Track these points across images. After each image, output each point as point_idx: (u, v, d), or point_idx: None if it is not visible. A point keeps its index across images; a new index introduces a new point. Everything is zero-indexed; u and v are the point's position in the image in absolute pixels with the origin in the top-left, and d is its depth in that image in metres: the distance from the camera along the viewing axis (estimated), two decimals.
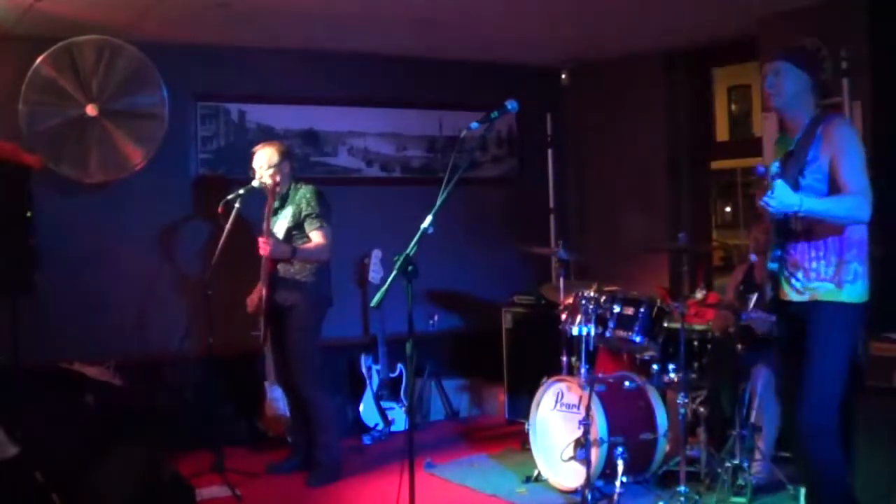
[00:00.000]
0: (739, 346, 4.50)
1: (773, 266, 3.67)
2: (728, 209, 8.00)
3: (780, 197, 3.39)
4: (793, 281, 3.63)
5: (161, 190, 5.79)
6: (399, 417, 6.12)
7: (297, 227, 4.98)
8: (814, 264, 3.58)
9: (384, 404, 6.11)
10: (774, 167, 3.44)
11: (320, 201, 4.99)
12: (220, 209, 5.05)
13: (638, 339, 4.78)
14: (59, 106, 5.30)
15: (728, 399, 4.57)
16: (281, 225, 5.00)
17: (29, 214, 5.18)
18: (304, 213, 4.95)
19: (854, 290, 3.57)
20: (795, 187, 3.51)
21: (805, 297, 3.61)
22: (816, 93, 3.67)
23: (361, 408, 6.06)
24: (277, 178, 5.00)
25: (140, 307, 5.76)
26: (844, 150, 3.52)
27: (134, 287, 5.76)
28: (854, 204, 3.50)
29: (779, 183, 3.38)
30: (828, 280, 3.56)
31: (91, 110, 5.35)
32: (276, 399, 5.59)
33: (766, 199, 3.39)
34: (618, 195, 6.75)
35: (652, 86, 6.68)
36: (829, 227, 3.54)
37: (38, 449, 4.39)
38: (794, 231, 3.61)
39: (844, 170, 3.50)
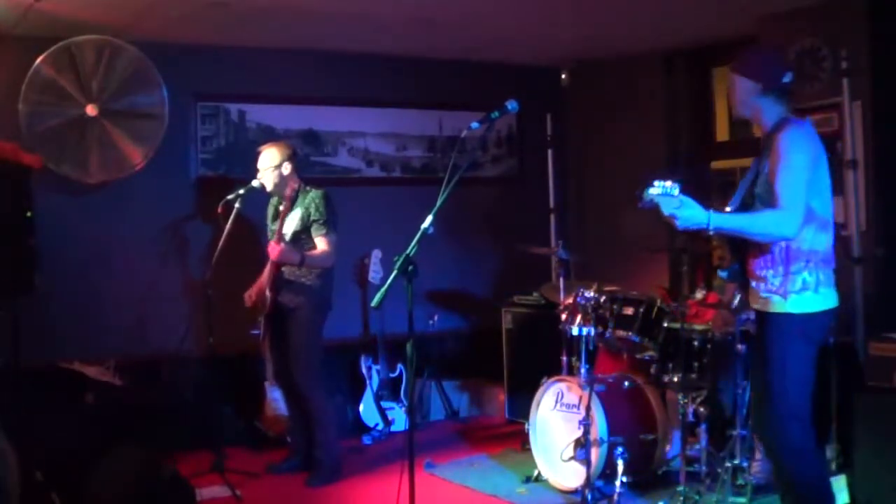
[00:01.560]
0: (739, 347, 4.50)
1: (723, 275, 3.74)
2: (728, 209, 7.99)
3: (686, 214, 3.26)
4: (752, 288, 3.61)
5: (161, 190, 5.80)
6: (399, 417, 6.12)
7: (304, 230, 4.97)
8: (764, 273, 3.51)
9: (384, 404, 6.11)
10: (673, 188, 3.23)
11: (328, 207, 4.97)
12: (220, 209, 5.05)
13: (637, 338, 4.77)
14: (59, 106, 5.30)
15: (728, 399, 4.57)
16: (288, 227, 4.97)
17: (29, 214, 5.18)
18: (311, 218, 4.94)
19: (801, 301, 3.44)
20: (750, 198, 3.50)
21: (758, 307, 3.58)
22: (779, 97, 3.53)
23: (361, 408, 6.06)
24: (282, 178, 4.98)
25: (140, 307, 5.76)
26: (782, 161, 3.38)
27: (134, 287, 5.76)
28: (771, 221, 3.37)
29: (685, 200, 3.25)
30: (775, 291, 3.48)
31: (91, 110, 5.36)
32: (276, 399, 5.59)
33: (672, 213, 3.25)
34: (618, 195, 6.73)
35: (652, 86, 6.68)
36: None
37: (38, 449, 4.39)
38: (747, 243, 3.56)
39: (778, 182, 3.37)
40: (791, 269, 3.45)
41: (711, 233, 3.39)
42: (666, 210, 3.27)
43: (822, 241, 3.48)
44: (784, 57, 3.67)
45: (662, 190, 3.22)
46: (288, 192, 4.94)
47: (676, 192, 3.23)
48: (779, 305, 3.47)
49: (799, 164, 3.38)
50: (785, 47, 5.45)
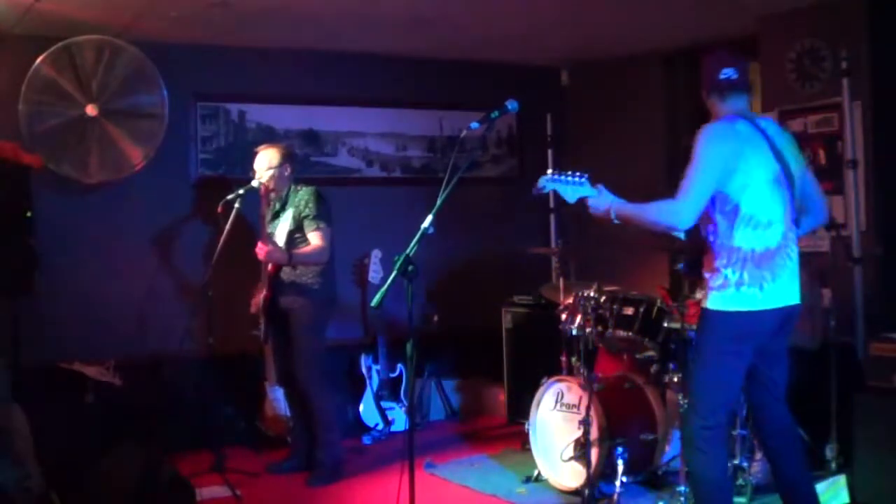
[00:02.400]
0: None
1: (681, 267, 3.84)
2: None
3: (595, 202, 3.58)
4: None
5: (161, 190, 5.79)
6: (399, 417, 6.12)
7: (298, 229, 4.97)
8: (707, 269, 3.52)
9: (384, 404, 6.11)
10: (583, 178, 3.64)
11: (319, 202, 4.97)
12: (219, 209, 5.04)
13: (638, 338, 4.77)
14: (59, 106, 5.30)
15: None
16: (282, 228, 4.98)
17: (29, 214, 5.18)
18: (302, 215, 4.94)
19: (719, 298, 3.44)
20: None
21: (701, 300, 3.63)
22: (722, 95, 3.53)
23: (361, 408, 6.06)
24: (272, 182, 4.99)
25: (140, 307, 5.76)
26: (692, 157, 3.42)
27: (134, 287, 5.76)
28: (661, 210, 3.43)
29: (599, 187, 3.61)
30: (707, 286, 3.51)
31: (91, 110, 5.36)
32: (277, 399, 5.59)
33: (580, 199, 3.61)
34: (618, 195, 6.74)
35: (652, 86, 6.68)
36: (717, 234, 3.46)
37: (38, 449, 4.39)
38: (700, 239, 3.57)
39: (684, 176, 3.43)
40: (717, 264, 3.46)
41: (615, 219, 3.56)
42: (571, 197, 3.64)
43: (754, 240, 3.42)
44: (728, 55, 3.60)
45: (567, 179, 3.63)
46: (263, 191, 4.95)
47: (585, 181, 3.62)
48: (706, 301, 3.51)
49: (701, 160, 3.39)
50: (784, 47, 5.47)
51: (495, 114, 3.59)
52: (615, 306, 4.84)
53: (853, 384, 4.51)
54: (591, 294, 4.85)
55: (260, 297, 5.10)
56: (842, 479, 4.31)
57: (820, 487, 4.28)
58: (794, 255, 3.53)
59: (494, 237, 6.90)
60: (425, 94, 6.75)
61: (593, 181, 3.68)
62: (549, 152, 6.94)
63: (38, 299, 5.25)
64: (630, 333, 4.75)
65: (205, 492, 4.74)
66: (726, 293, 3.44)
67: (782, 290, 3.47)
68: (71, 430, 5.01)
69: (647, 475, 4.75)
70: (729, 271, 3.43)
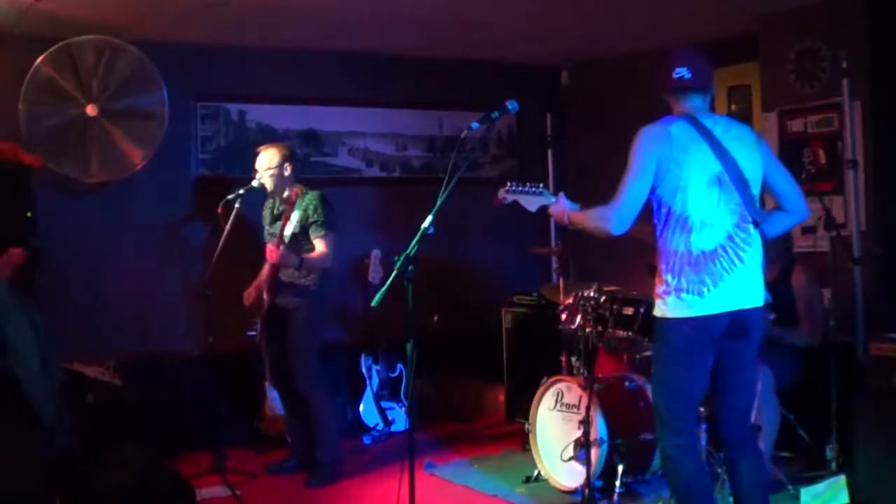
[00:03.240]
0: None
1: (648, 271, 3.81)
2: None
3: (554, 209, 3.75)
4: None
5: (161, 190, 5.80)
6: (399, 417, 6.12)
7: (302, 232, 4.96)
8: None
9: (384, 404, 6.11)
10: (544, 189, 3.83)
11: (326, 208, 4.96)
12: (219, 209, 5.05)
13: (638, 338, 4.77)
14: (59, 106, 5.30)
15: None
16: (287, 230, 4.95)
17: (29, 214, 5.18)
18: (310, 220, 4.93)
19: (664, 305, 3.43)
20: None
21: None
22: (675, 95, 3.58)
23: (361, 408, 6.06)
24: (281, 179, 4.98)
25: (140, 307, 5.76)
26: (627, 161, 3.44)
27: (134, 287, 5.77)
28: (596, 215, 3.49)
29: (560, 195, 3.75)
30: (655, 294, 3.51)
31: (91, 110, 5.36)
32: (277, 399, 5.59)
33: (541, 208, 3.79)
34: (612, 195, 6.74)
35: (652, 86, 6.66)
36: (658, 237, 3.46)
37: (38, 449, 4.38)
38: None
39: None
40: (660, 268, 3.46)
41: (568, 225, 3.67)
42: (532, 207, 3.83)
43: (686, 243, 3.37)
44: (685, 55, 3.57)
45: (527, 190, 3.81)
46: (288, 194, 4.93)
47: (544, 191, 3.81)
48: (654, 309, 3.52)
49: (632, 164, 3.42)
50: (784, 47, 5.47)
51: (495, 114, 3.59)
52: (615, 306, 4.83)
53: (853, 384, 4.51)
54: (591, 294, 4.85)
55: (253, 290, 5.08)
56: (842, 479, 4.31)
57: (820, 487, 4.29)
58: (750, 256, 3.42)
59: (494, 237, 6.90)
60: (425, 94, 6.75)
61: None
62: (549, 152, 6.94)
63: (38, 299, 5.24)
64: (630, 333, 4.75)
65: (205, 492, 4.74)
66: (669, 300, 3.41)
67: (728, 294, 3.37)
68: (71, 430, 5.00)
69: (648, 475, 4.75)
70: (669, 276, 3.41)
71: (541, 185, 3.85)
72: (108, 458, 4.28)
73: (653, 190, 3.40)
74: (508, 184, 3.89)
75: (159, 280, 5.84)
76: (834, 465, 4.58)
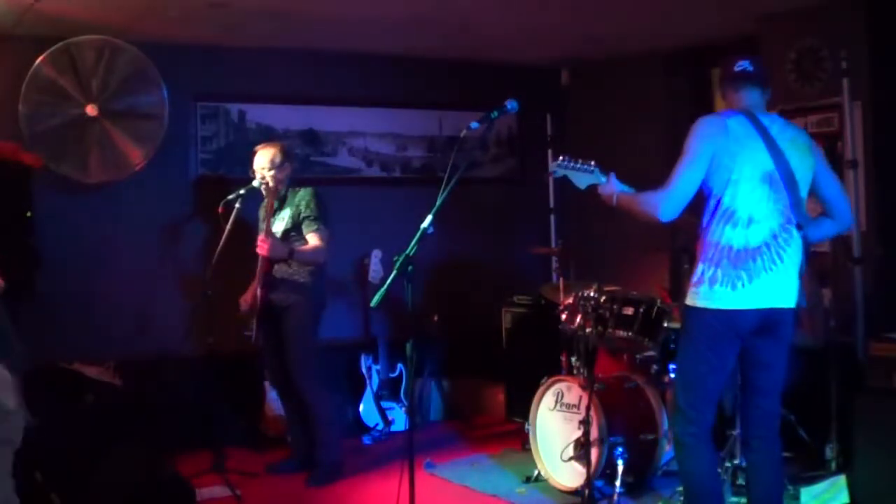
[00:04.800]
0: None
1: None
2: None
3: (603, 188, 3.68)
4: None
5: (161, 190, 5.80)
6: (399, 417, 6.12)
7: (294, 228, 4.97)
8: None
9: (384, 404, 6.11)
10: (596, 167, 3.72)
11: (318, 203, 4.97)
12: (220, 209, 5.05)
13: (638, 338, 4.78)
14: (59, 106, 5.30)
15: (728, 399, 4.57)
16: (279, 226, 4.99)
17: (29, 214, 5.18)
18: (302, 215, 4.94)
19: (695, 294, 3.44)
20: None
21: None
22: (731, 87, 3.57)
23: (361, 408, 6.06)
24: (279, 178, 4.99)
25: (140, 307, 5.77)
26: (682, 149, 3.44)
27: (134, 287, 5.76)
28: (647, 200, 3.47)
29: (611, 175, 3.68)
30: (688, 283, 3.52)
31: (91, 110, 5.36)
32: (277, 399, 5.59)
33: (590, 186, 3.73)
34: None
35: (652, 86, 6.68)
36: (702, 227, 3.46)
37: (38, 449, 4.39)
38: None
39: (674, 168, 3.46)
40: (698, 258, 3.46)
41: (616, 206, 3.64)
42: (581, 184, 3.73)
43: (731, 237, 3.39)
44: (745, 55, 3.63)
45: (578, 166, 3.71)
46: (274, 188, 4.94)
47: (595, 169, 3.71)
48: (685, 297, 3.52)
49: (687, 153, 3.42)
50: (784, 47, 5.47)
51: (495, 114, 3.59)
52: (615, 306, 4.84)
53: (853, 384, 4.51)
54: (591, 294, 4.85)
55: (250, 295, 5.09)
56: (842, 479, 4.31)
57: (820, 487, 4.30)
58: (790, 257, 3.44)
59: (494, 237, 6.90)
60: (425, 94, 6.75)
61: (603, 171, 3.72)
62: (549, 152, 6.94)
63: (38, 299, 5.25)
64: (630, 333, 4.75)
65: (205, 492, 4.74)
66: (700, 290, 3.42)
67: (762, 291, 3.39)
68: (71, 430, 5.00)
69: (648, 475, 4.75)
70: (704, 266, 3.42)
71: (592, 162, 3.74)
72: (107, 458, 4.28)
73: (704, 180, 3.41)
74: (561, 157, 3.79)
75: (159, 280, 5.84)
76: (834, 465, 4.59)
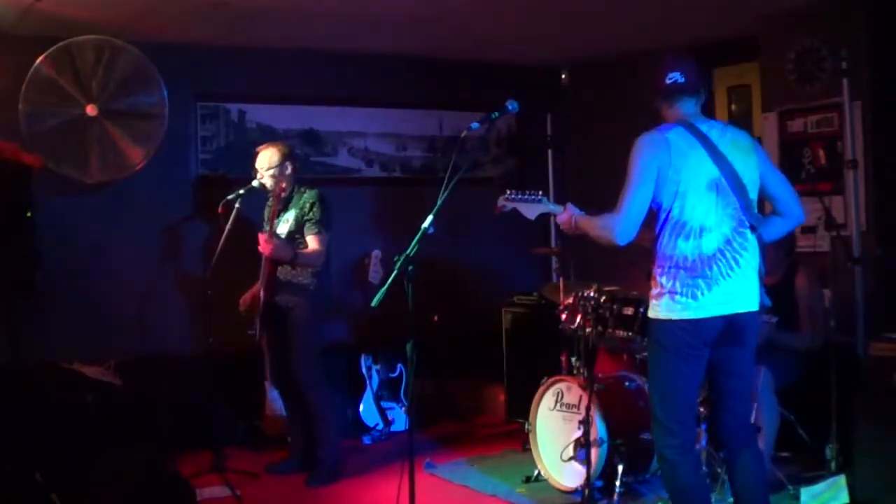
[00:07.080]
0: None
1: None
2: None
3: (561, 217, 3.74)
4: None
5: (161, 190, 5.80)
6: (399, 417, 6.12)
7: (298, 230, 4.97)
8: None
9: (384, 404, 6.11)
10: (543, 197, 3.83)
11: (323, 207, 4.97)
12: (220, 209, 5.05)
13: (638, 338, 4.77)
14: (59, 106, 5.30)
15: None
16: (283, 228, 4.98)
17: (29, 214, 5.18)
18: (305, 217, 4.94)
19: (657, 306, 3.43)
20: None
21: None
22: (666, 100, 3.58)
23: (361, 408, 6.06)
24: (283, 180, 4.98)
25: (140, 307, 5.77)
26: (626, 170, 3.43)
27: (134, 287, 5.77)
28: (601, 225, 3.48)
29: (568, 204, 3.73)
30: (649, 296, 3.51)
31: (91, 110, 5.36)
32: (277, 399, 5.59)
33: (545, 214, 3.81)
34: (618, 195, 6.74)
35: (651, 86, 6.66)
36: (655, 241, 3.45)
37: (38, 449, 4.39)
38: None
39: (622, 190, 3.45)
40: (654, 272, 3.45)
41: (577, 233, 3.66)
42: (531, 215, 3.81)
43: (684, 249, 3.37)
44: (674, 60, 3.60)
45: (526, 198, 3.80)
46: (278, 191, 4.94)
47: (543, 198, 3.81)
48: (648, 310, 3.51)
49: (632, 173, 3.41)
50: (784, 47, 5.47)
51: (495, 114, 3.60)
52: (615, 306, 4.83)
53: (853, 384, 4.51)
54: (591, 294, 4.85)
55: (250, 295, 5.09)
56: (842, 479, 4.31)
57: (820, 487, 4.30)
58: (747, 261, 3.42)
59: (495, 237, 6.89)
60: (425, 94, 6.75)
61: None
62: (549, 152, 6.94)
63: (37, 299, 5.25)
64: (630, 333, 4.75)
65: (205, 492, 4.74)
66: (662, 302, 3.41)
67: (723, 298, 3.37)
68: (71, 430, 5.01)
69: (648, 475, 4.75)
70: (664, 279, 3.41)
71: (539, 192, 3.82)
72: (108, 458, 4.28)
73: (654, 196, 3.39)
74: (507, 192, 3.85)
75: (159, 280, 5.84)
76: (834, 465, 4.58)
